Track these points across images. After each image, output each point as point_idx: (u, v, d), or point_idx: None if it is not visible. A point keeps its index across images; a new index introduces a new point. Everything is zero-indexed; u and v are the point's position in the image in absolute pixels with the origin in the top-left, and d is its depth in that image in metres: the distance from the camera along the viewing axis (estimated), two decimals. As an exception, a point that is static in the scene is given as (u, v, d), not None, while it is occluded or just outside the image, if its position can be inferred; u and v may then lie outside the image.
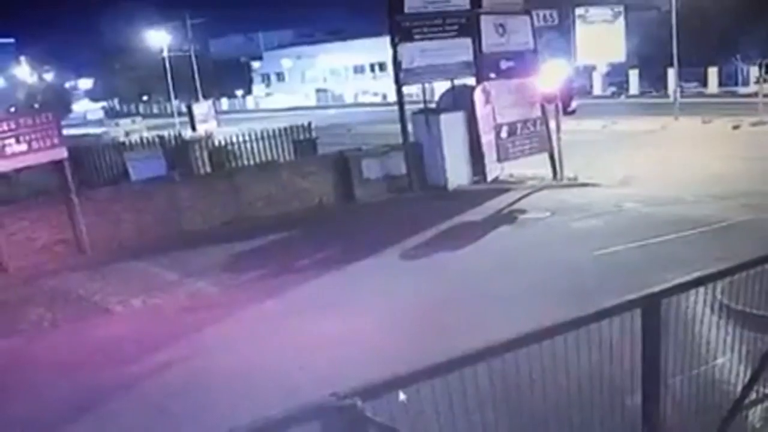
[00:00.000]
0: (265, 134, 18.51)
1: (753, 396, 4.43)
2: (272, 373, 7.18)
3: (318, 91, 31.37)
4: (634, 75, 30.40)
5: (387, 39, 15.96)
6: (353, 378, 2.73)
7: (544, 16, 16.83)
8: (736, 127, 21.87)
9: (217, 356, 8.07)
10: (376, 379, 2.79)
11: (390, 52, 15.85)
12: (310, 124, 19.54)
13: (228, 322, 9.33)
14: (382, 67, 33.98)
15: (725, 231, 10.74)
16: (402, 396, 2.92)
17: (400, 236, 12.28)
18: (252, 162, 17.75)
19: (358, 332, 8.05)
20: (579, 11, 28.92)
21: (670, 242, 10.44)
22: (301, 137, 19.07)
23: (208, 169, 17.93)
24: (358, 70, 36.31)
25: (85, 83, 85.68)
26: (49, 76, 77.47)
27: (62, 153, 13.23)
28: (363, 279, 10.43)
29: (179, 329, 9.21)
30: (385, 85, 35.16)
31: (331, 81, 34.09)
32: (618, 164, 16.62)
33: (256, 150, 18.23)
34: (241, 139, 18.19)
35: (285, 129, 18.90)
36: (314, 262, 11.68)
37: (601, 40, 28.89)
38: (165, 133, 23.21)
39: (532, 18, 17.02)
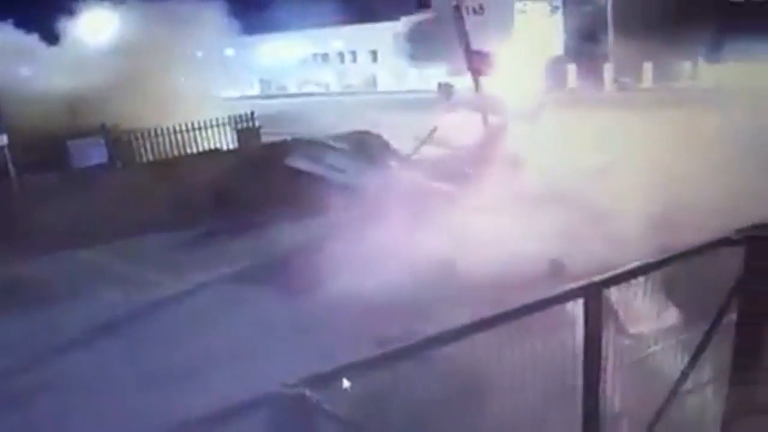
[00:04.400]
0: (207, 123, 18.57)
1: (689, 385, 4.55)
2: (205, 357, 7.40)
3: (262, 80, 31.33)
4: (572, 69, 31.26)
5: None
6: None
7: (474, 9, 17.20)
8: (673, 120, 22.51)
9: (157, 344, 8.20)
10: (324, 370, 2.90)
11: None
12: (253, 113, 19.66)
13: (170, 309, 9.52)
14: (324, 57, 34.30)
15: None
16: (346, 383, 3.00)
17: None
18: (195, 150, 17.82)
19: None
20: (518, 5, 29.64)
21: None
22: (245, 126, 19.20)
23: (151, 158, 17.91)
24: (302, 60, 36.52)
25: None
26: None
27: (2, 140, 13.14)
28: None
29: (121, 319, 9.31)
30: (329, 75, 35.49)
31: (275, 71, 34.10)
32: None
33: (198, 138, 18.28)
34: (183, 127, 18.20)
35: (228, 117, 18.98)
36: (261, 247, 11.85)
37: (540, 34, 29.65)
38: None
39: (461, 11, 17.24)
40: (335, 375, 2.97)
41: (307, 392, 2.73)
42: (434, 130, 16.81)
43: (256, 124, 19.47)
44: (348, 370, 3.02)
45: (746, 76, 23.93)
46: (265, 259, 11.43)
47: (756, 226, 4.49)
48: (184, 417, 2.36)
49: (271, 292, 9.72)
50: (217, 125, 18.65)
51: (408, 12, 27.95)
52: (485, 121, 16.90)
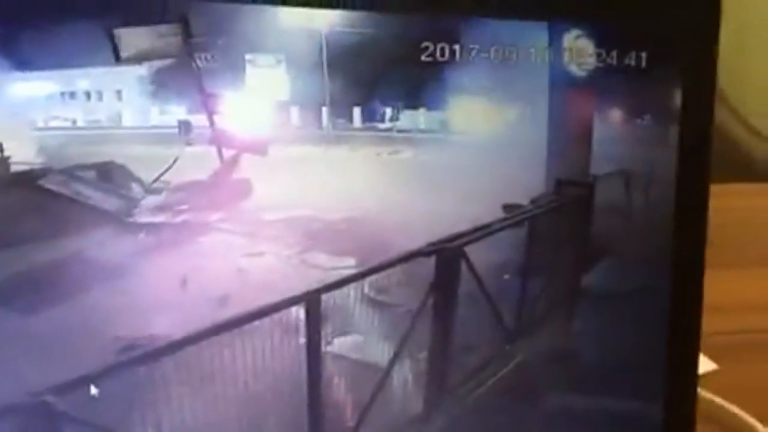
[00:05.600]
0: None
1: (397, 367, 7.02)
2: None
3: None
4: (295, 110, 35.92)
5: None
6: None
7: (206, 57, 20.45)
8: (378, 155, 27.58)
9: None
10: (70, 376, 4.64)
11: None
12: (0, 143, 21.43)
13: None
14: (72, 95, 35.89)
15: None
16: (94, 390, 4.45)
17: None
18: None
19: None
20: (248, 57, 33.60)
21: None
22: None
23: None
24: (49, 96, 37.50)
25: None
26: None
27: None
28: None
29: None
30: (76, 111, 36.75)
31: (21, 106, 34.95)
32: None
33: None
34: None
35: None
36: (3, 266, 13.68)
37: (268, 81, 33.82)
38: None
39: (195, 61, 20.60)
40: (78, 382, 4.59)
41: (50, 399, 4.36)
42: (174, 161, 20.02)
43: (4, 153, 21.22)
44: (92, 377, 4.55)
45: (436, 122, 29.99)
46: (6, 278, 13.63)
47: (443, 240, 6.87)
48: None
49: (8, 309, 11.85)
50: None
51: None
52: (219, 153, 20.38)
